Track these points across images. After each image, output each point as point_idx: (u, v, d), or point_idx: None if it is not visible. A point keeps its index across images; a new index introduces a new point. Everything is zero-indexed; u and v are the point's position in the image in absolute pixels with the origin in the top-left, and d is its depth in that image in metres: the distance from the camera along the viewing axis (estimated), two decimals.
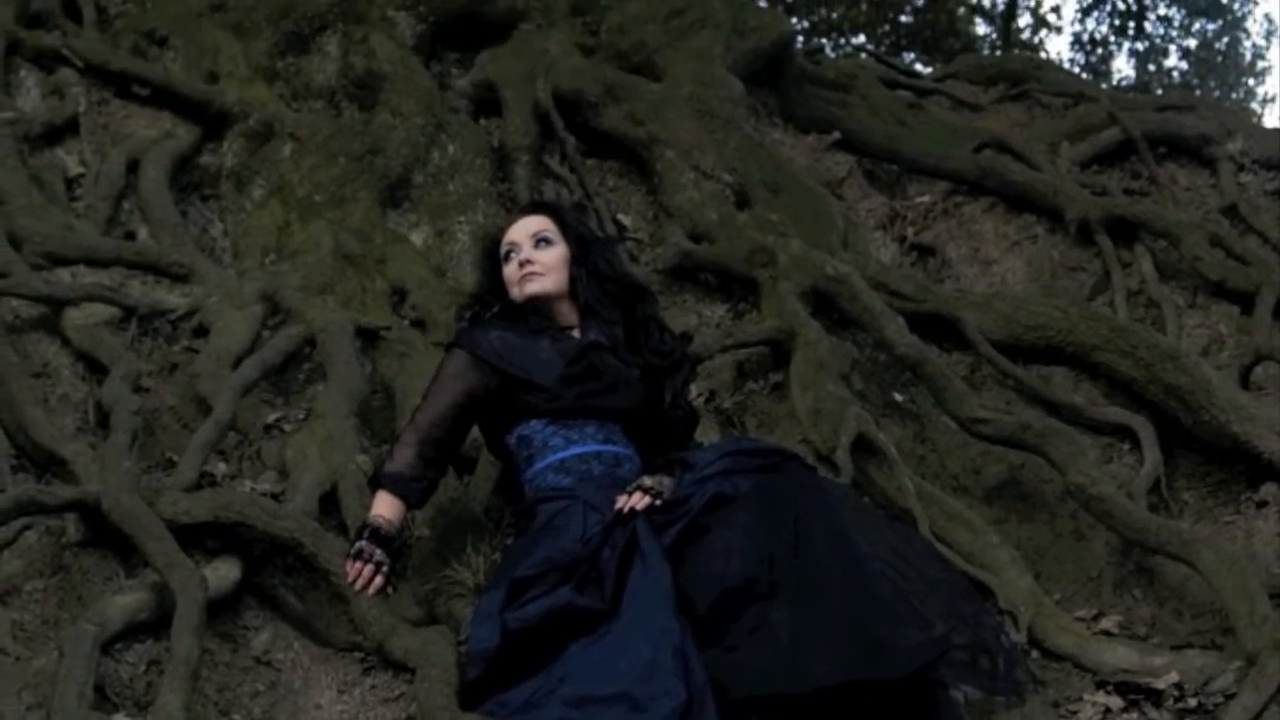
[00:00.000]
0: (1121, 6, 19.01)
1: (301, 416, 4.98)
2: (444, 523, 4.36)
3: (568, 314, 4.33)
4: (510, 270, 4.33)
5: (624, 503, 3.75)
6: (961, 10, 18.99)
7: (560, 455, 4.07)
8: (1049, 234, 6.47)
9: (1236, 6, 19.47)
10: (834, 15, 18.50)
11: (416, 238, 6.05)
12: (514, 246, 4.34)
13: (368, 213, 6.01)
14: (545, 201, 5.51)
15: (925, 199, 6.87)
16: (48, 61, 6.60)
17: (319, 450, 4.59)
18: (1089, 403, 5.33)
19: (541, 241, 4.32)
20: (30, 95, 6.51)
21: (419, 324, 5.53)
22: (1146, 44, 19.39)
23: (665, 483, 3.82)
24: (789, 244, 5.83)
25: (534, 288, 4.28)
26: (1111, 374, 5.37)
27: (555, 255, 4.32)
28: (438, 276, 5.82)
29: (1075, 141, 7.08)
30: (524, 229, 4.37)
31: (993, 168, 6.73)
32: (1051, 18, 20.19)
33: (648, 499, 3.74)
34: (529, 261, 4.28)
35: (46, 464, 4.55)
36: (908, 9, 18.64)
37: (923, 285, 5.91)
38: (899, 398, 5.50)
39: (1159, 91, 16.66)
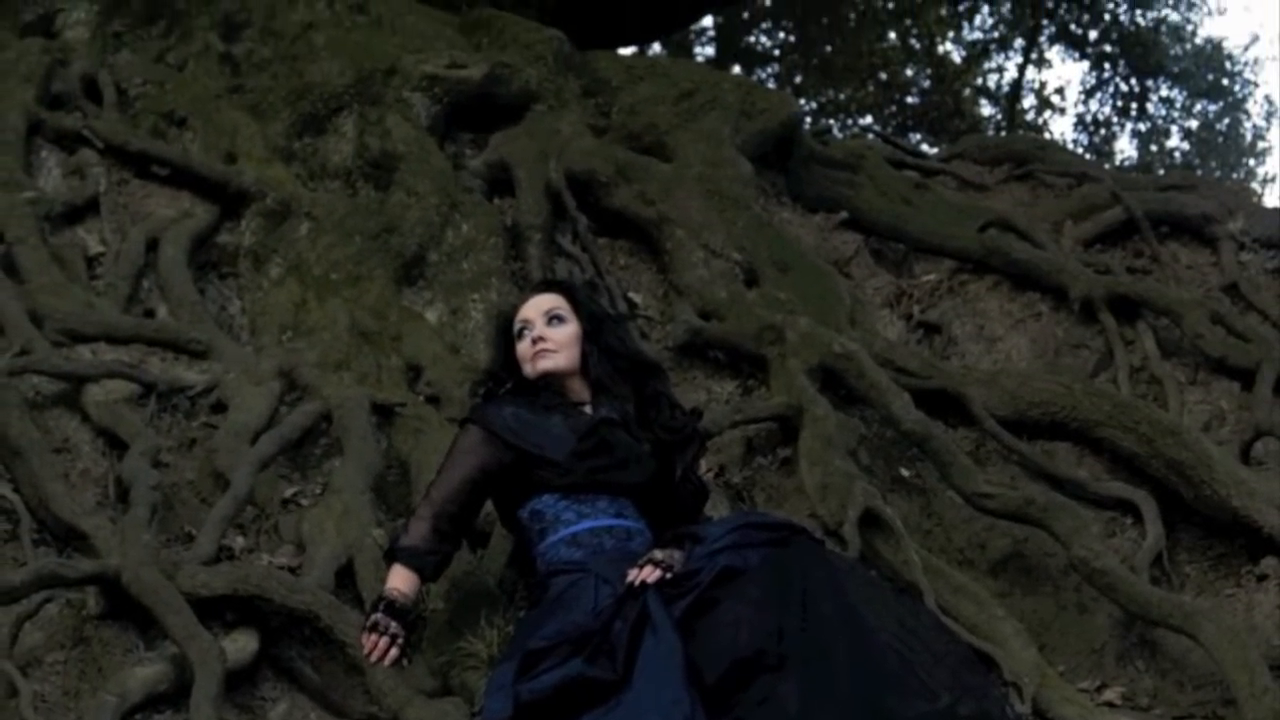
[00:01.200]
0: (1124, 88, 19.12)
1: (318, 491, 5.01)
2: (458, 595, 4.38)
3: (580, 390, 4.37)
4: (523, 347, 4.37)
5: (635, 576, 3.76)
6: (967, 92, 19.13)
7: (572, 529, 4.10)
8: (1053, 312, 6.49)
9: (1237, 88, 19.55)
10: (841, 96, 18.65)
11: (431, 315, 6.09)
12: (527, 324, 4.39)
13: (383, 290, 6.07)
14: (557, 280, 5.53)
15: (931, 277, 6.91)
16: (69, 142, 6.67)
17: (335, 524, 4.62)
18: (1092, 478, 5.36)
19: (554, 319, 4.37)
20: (51, 175, 6.56)
21: (434, 400, 5.55)
22: (1148, 125, 19.49)
23: (675, 556, 3.83)
24: (797, 321, 5.86)
25: (546, 364, 4.32)
26: (1114, 449, 5.39)
27: (567, 333, 4.36)
28: (452, 353, 5.84)
29: (1079, 221, 7.09)
30: (537, 307, 4.42)
31: (997, 246, 6.75)
32: (1055, 99, 20.30)
33: (658, 572, 3.75)
34: (542, 339, 4.33)
35: (67, 538, 4.58)
36: (914, 90, 18.79)
37: (929, 362, 5.94)
38: (905, 473, 5.53)
39: (1161, 171, 16.71)
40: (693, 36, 18.85)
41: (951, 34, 19.15)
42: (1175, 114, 19.57)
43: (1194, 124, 19.61)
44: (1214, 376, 5.89)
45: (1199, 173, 16.59)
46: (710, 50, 19.25)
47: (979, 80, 19.65)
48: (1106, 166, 12.45)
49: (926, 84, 18.83)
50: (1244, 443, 5.38)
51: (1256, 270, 6.64)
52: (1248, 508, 4.88)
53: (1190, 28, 19.24)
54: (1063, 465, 5.45)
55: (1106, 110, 19.40)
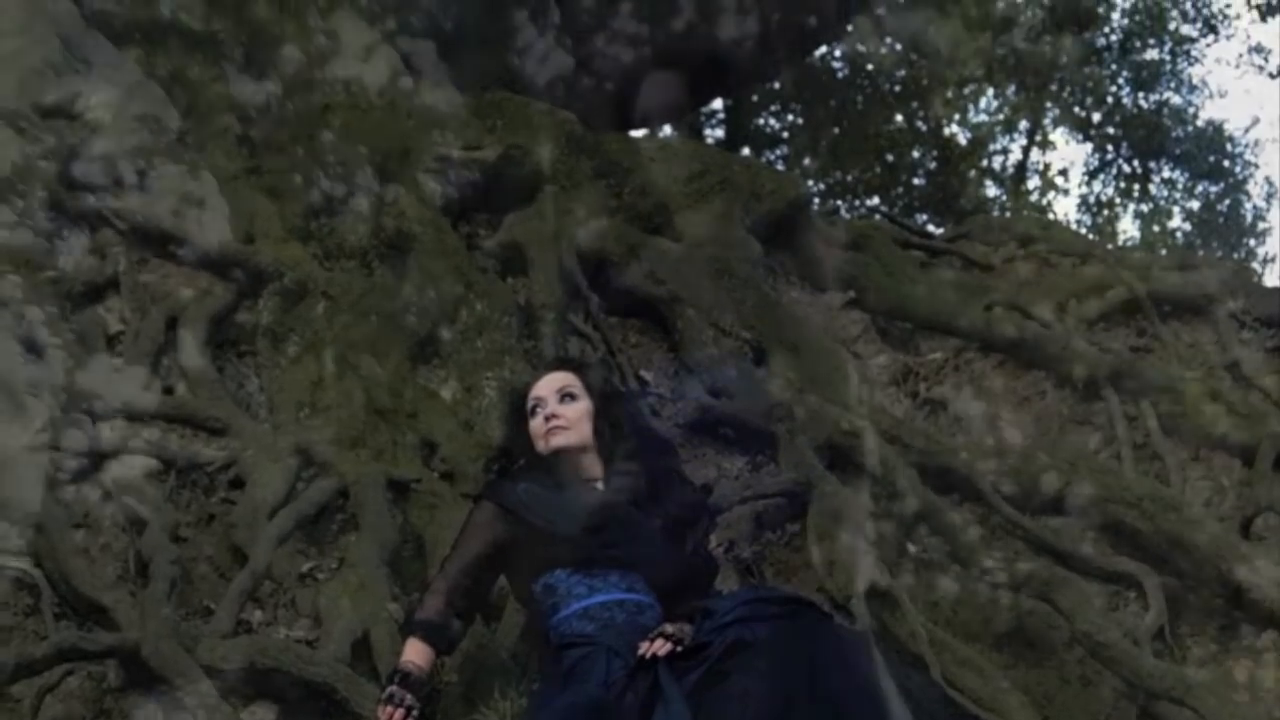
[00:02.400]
0: (1127, 170, 19.22)
1: (335, 566, 5.04)
2: (472, 668, 4.42)
3: (592, 466, 4.41)
4: (536, 424, 4.43)
5: (646, 649, 3.81)
6: (972, 173, 19.22)
7: (584, 603, 4.12)
8: (1057, 389, 6.52)
9: (1238, 170, 19.63)
10: (849, 178, 18.72)
11: (446, 393, 6.11)
12: (540, 401, 4.44)
13: (398, 369, 6.10)
14: (570, 358, 5.60)
15: (937, 355, 6.95)
16: (90, 222, 6.65)
17: (351, 598, 4.66)
18: (1095, 553, 5.39)
19: (566, 396, 4.43)
20: (73, 254, 6.52)
21: (448, 476, 5.58)
22: (1151, 206, 19.57)
23: (686, 629, 3.87)
24: (805, 399, 5.93)
25: (559, 441, 4.37)
26: (1117, 525, 5.45)
27: (579, 410, 4.41)
28: (466, 430, 5.87)
29: (1082, 300, 7.11)
30: (549, 384, 4.48)
31: (1002, 325, 6.81)
32: (1059, 180, 20.44)
33: (669, 645, 3.80)
34: (554, 416, 4.38)
35: (88, 612, 4.61)
36: (920, 172, 18.86)
37: (934, 439, 5.99)
38: (912, 548, 5.55)
39: (1163, 251, 16.78)
40: (703, 119, 18.99)
41: (957, 117, 19.31)
42: (1177, 195, 19.66)
43: (1195, 205, 19.69)
44: (1215, 453, 5.94)
45: (1200, 253, 16.64)
46: (720, 132, 19.37)
47: (984, 162, 19.75)
48: (1109, 246, 12.48)
49: (933, 166, 18.90)
50: (1245, 518, 5.43)
51: (1257, 349, 6.68)
52: (1249, 582, 4.93)
53: (1192, 110, 19.36)
54: (1066, 541, 5.47)
55: (1109, 191, 19.52)
